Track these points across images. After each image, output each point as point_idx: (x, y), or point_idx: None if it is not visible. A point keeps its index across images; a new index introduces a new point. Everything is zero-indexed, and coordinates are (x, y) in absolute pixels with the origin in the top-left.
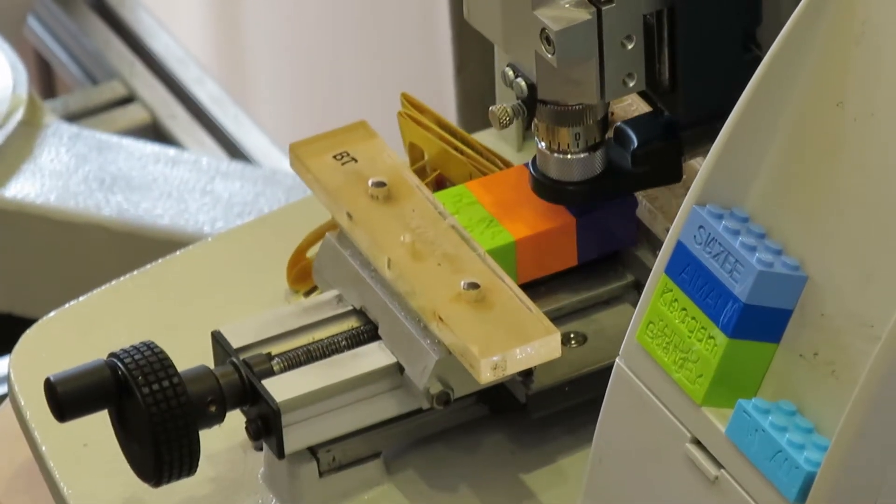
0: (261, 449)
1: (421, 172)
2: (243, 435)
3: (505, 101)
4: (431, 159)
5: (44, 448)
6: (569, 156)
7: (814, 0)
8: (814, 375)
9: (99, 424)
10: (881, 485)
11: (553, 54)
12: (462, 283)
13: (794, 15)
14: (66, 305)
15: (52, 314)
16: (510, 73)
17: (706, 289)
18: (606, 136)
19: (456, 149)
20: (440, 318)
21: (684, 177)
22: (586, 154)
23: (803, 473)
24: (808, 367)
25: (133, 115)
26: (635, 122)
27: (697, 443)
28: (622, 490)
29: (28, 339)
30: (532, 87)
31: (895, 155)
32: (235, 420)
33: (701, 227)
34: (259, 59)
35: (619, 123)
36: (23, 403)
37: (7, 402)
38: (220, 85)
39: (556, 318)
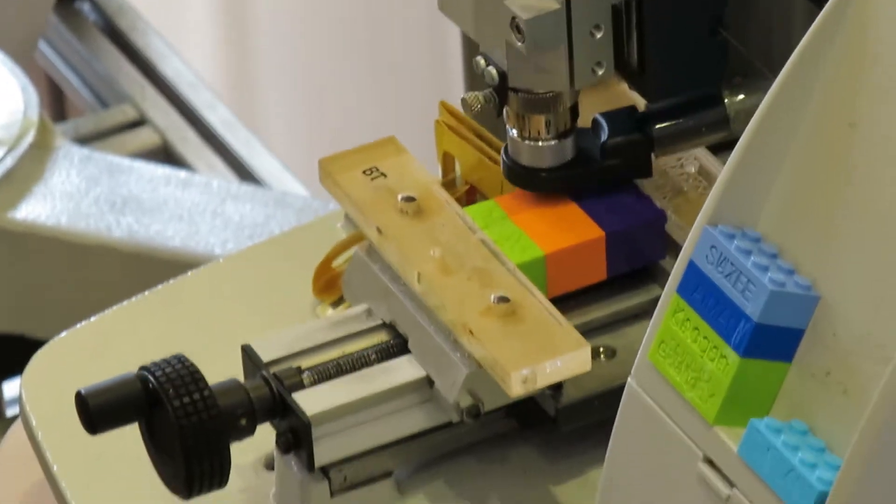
0: (272, 468)
1: (450, 186)
2: (255, 455)
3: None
4: (466, 169)
5: (55, 468)
6: (540, 143)
7: (826, 20)
8: (826, 395)
9: (111, 443)
10: (891, 502)
11: (523, 43)
12: (492, 296)
13: (806, 35)
14: (77, 326)
15: (63, 335)
16: (482, 61)
17: (718, 308)
18: (577, 124)
19: (491, 159)
20: (470, 332)
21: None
22: (557, 141)
23: (816, 492)
24: (820, 387)
25: (144, 138)
26: (610, 115)
27: (710, 462)
28: None
29: (39, 360)
30: (503, 76)
31: None
32: (245, 441)
33: (713, 246)
34: (269, 83)
35: (595, 115)
36: (34, 424)
37: (18, 422)
38: (231, 109)
39: (586, 331)
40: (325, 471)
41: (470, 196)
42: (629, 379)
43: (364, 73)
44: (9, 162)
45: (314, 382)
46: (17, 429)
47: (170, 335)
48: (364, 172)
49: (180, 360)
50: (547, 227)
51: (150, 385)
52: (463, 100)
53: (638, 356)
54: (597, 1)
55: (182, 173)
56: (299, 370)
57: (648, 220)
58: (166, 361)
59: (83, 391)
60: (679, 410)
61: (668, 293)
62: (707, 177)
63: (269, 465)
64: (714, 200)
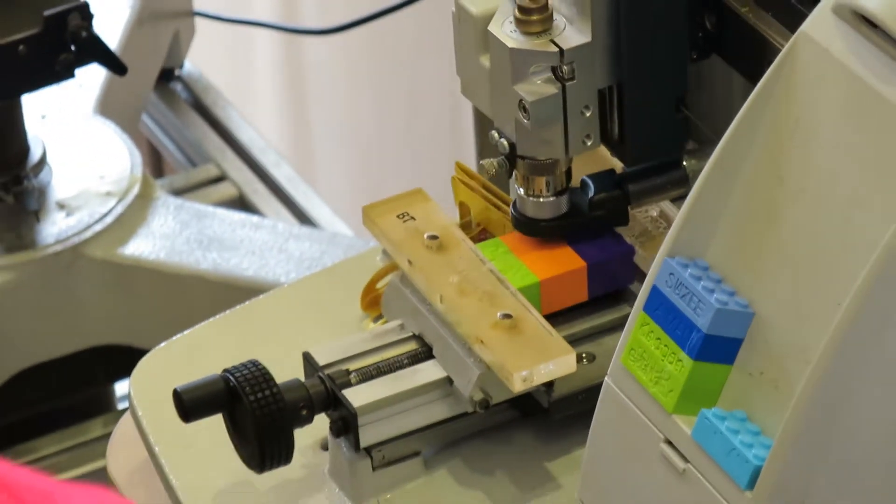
0: (326, 449)
1: (466, 227)
2: (313, 438)
3: (491, 157)
4: (477, 214)
5: (157, 449)
6: (541, 199)
7: (758, 95)
8: (760, 390)
9: (200, 431)
10: (813, 474)
11: (528, 120)
12: (498, 314)
13: (743, 107)
14: (174, 338)
15: (162, 345)
16: (495, 134)
17: (675, 322)
18: (570, 184)
19: (496, 206)
20: (481, 342)
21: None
22: (555, 198)
23: (752, 467)
24: (756, 384)
25: (224, 190)
26: (595, 176)
27: (669, 443)
28: (610, 481)
29: (144, 365)
30: (512, 146)
31: (822, 220)
32: (305, 427)
33: (671, 273)
34: (322, 147)
35: (583, 177)
36: (140, 414)
37: (128, 414)
38: (292, 167)
39: (572, 341)
40: (367, 451)
41: (481, 235)
42: (606, 378)
43: (398, 139)
44: (119, 209)
45: (359, 381)
46: (126, 419)
47: (245, 345)
48: (398, 216)
49: (254, 363)
50: (541, 259)
51: (231, 384)
52: (480, 165)
53: (613, 360)
54: (586, 87)
55: (254, 218)
56: (348, 372)
57: (621, 253)
58: (243, 365)
59: (179, 389)
60: (645, 402)
61: (636, 310)
62: (666, 219)
63: (324, 447)
64: (671, 238)
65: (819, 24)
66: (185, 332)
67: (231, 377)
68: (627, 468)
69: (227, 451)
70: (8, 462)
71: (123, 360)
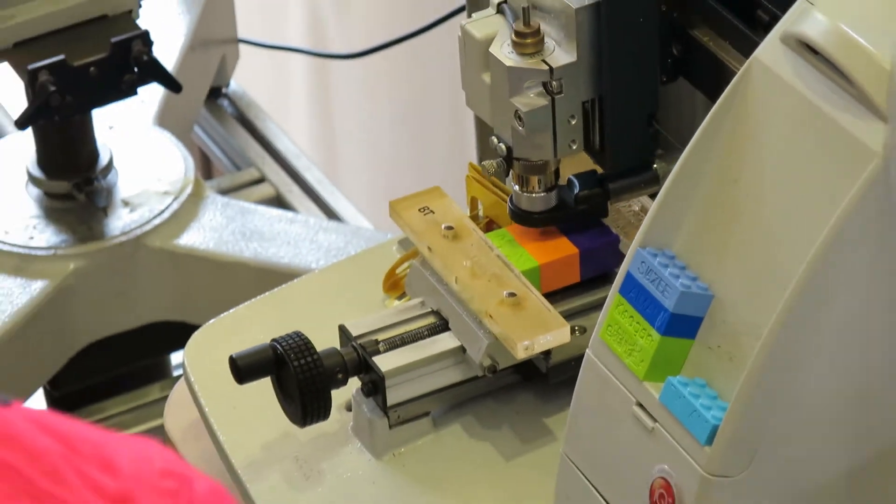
0: (350, 409)
1: (476, 219)
2: (337, 402)
3: (491, 159)
4: (487, 207)
5: (206, 409)
6: (534, 194)
7: (718, 111)
8: (717, 361)
9: (243, 394)
10: (761, 432)
11: (523, 127)
12: (504, 293)
13: (704, 121)
14: (220, 316)
15: (211, 321)
16: (495, 139)
17: (646, 303)
18: (559, 182)
19: (503, 200)
20: (490, 316)
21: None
22: (545, 193)
23: (710, 425)
24: (714, 356)
25: (263, 190)
26: (580, 176)
27: (640, 405)
28: (590, 437)
29: (196, 338)
30: (509, 149)
31: (771, 216)
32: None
33: (643, 262)
34: (347, 152)
35: (570, 176)
36: (193, 379)
37: (182, 379)
38: (321, 171)
39: (567, 316)
40: (385, 412)
41: (489, 226)
42: (587, 350)
43: (410, 146)
44: (174, 206)
45: (386, 350)
46: (180, 384)
47: (282, 321)
48: (419, 210)
49: (298, 334)
50: (540, 247)
51: (278, 351)
52: (482, 165)
53: (592, 335)
54: (572, 100)
55: (289, 214)
56: (377, 342)
57: (608, 242)
58: (289, 336)
59: (234, 356)
60: (620, 371)
61: (613, 293)
62: (645, 213)
63: (348, 407)
64: (643, 231)
65: (769, 51)
66: (230, 311)
67: (278, 346)
68: (605, 427)
69: (267, 410)
70: (67, 417)
71: (178, 334)
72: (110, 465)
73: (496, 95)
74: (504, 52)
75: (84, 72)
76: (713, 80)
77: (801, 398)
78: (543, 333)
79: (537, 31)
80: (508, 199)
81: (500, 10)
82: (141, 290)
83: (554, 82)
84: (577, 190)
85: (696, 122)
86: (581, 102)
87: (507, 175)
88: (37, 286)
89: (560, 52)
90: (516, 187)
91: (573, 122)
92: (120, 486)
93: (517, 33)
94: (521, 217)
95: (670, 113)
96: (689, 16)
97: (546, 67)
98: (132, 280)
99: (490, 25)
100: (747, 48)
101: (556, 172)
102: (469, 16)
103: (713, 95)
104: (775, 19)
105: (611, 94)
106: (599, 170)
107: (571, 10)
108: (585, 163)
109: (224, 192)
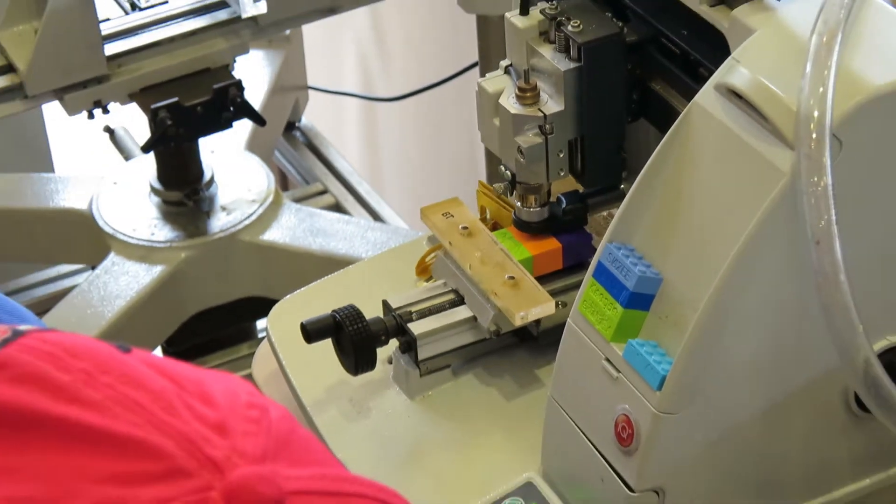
0: (391, 363)
1: (484, 222)
2: (383, 356)
3: (499, 182)
4: (492, 213)
5: (284, 362)
6: (532, 209)
7: (665, 145)
8: (666, 328)
9: (310, 352)
10: (699, 381)
11: (524, 159)
12: (506, 276)
13: (655, 151)
14: (294, 292)
15: (287, 297)
16: (502, 168)
17: (612, 284)
18: (550, 199)
19: (505, 209)
20: (495, 293)
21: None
22: (540, 208)
23: (660, 375)
24: (663, 324)
25: (326, 200)
26: (566, 194)
27: (608, 360)
28: (571, 384)
29: (276, 309)
30: (513, 175)
31: (707, 221)
32: (382, 351)
33: (610, 253)
34: (389, 173)
35: (559, 194)
36: (274, 340)
37: (266, 340)
38: (369, 184)
39: (553, 293)
40: (417, 364)
41: (494, 227)
42: (568, 319)
43: (437, 169)
44: (260, 211)
45: (418, 318)
46: (264, 344)
47: (342, 296)
48: (442, 214)
49: (352, 306)
50: (533, 243)
51: (337, 319)
52: (494, 187)
53: (572, 308)
54: (560, 139)
55: (345, 217)
56: (411, 312)
57: (583, 239)
58: (344, 308)
59: (304, 322)
60: (593, 334)
61: (588, 276)
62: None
63: (389, 361)
64: (610, 231)
65: (706, 97)
66: (301, 289)
67: (337, 315)
68: (581, 376)
69: (328, 363)
70: (172, 359)
71: (262, 306)
72: (209, 398)
73: (503, 135)
74: (510, 102)
75: (193, 110)
76: (665, 119)
77: (727, 355)
78: (535, 306)
79: (535, 87)
80: (512, 213)
81: (507, 71)
82: (235, 272)
83: (547, 125)
84: (564, 205)
85: (651, 151)
86: (567, 140)
87: (512, 194)
88: (157, 270)
89: (552, 103)
90: (518, 203)
91: (561, 155)
92: (218, 416)
93: (520, 89)
94: (521, 226)
95: (633, 145)
96: (647, 71)
97: (541, 114)
98: (228, 265)
99: (499, 82)
100: (690, 95)
101: (549, 192)
102: (481, 72)
103: (664, 130)
104: (711, 73)
105: (590, 134)
106: (581, 189)
107: (560, 71)
108: (570, 184)
109: (297, 200)
